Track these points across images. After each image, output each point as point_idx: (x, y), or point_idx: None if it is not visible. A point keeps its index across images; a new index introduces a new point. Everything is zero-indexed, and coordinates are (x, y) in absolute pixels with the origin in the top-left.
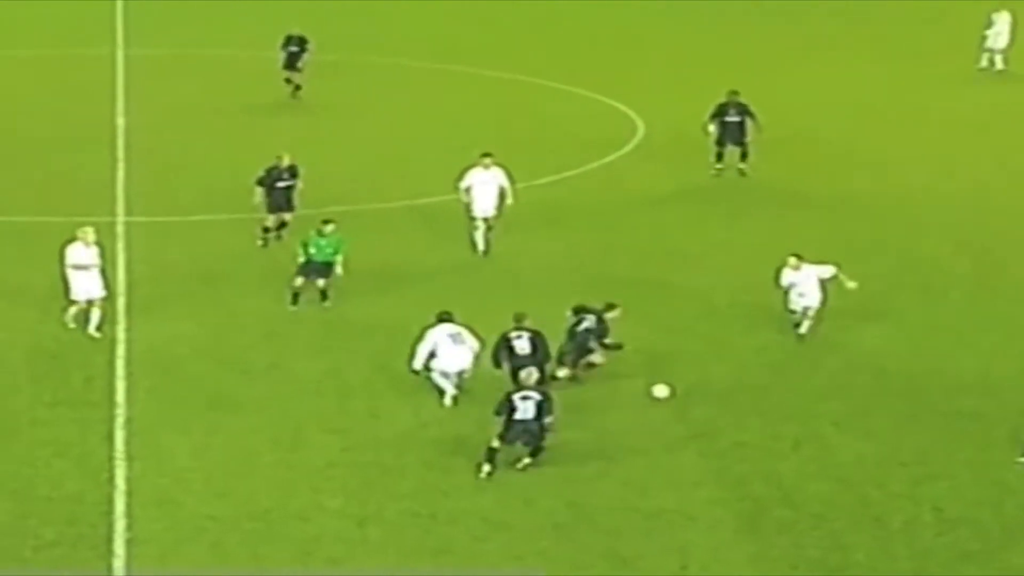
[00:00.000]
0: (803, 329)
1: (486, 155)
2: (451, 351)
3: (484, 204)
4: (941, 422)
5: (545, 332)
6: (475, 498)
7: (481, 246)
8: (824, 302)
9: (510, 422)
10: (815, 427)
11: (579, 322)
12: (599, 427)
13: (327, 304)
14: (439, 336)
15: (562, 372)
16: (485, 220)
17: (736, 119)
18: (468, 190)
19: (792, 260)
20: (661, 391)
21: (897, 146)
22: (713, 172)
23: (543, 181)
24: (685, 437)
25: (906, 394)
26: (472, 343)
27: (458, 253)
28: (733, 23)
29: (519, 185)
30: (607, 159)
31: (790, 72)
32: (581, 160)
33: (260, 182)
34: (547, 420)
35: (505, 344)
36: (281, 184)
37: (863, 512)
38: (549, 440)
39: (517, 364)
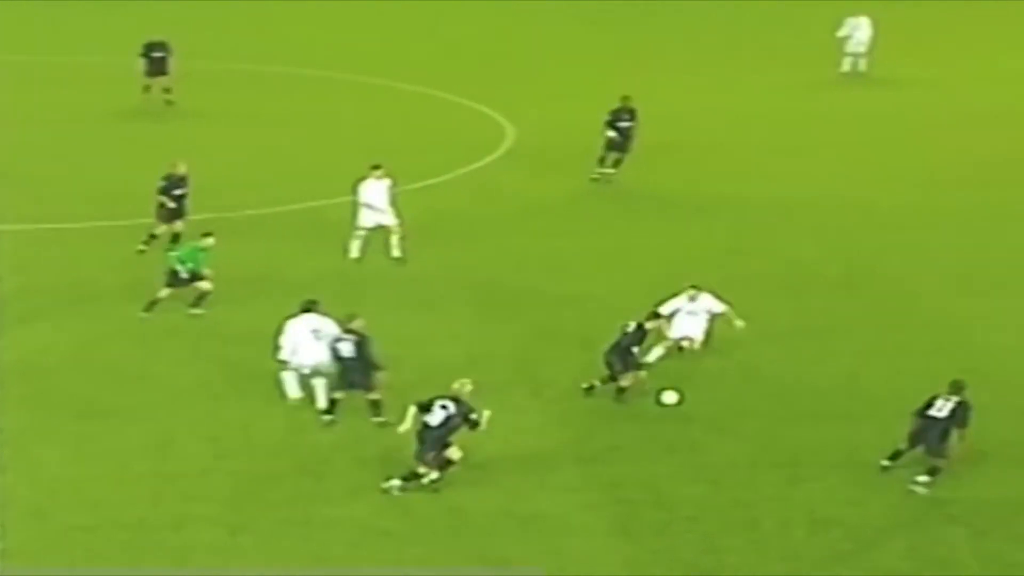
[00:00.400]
0: (651, 357)
1: (376, 167)
2: (308, 345)
3: (372, 215)
4: (811, 424)
5: (372, 337)
6: (351, 505)
7: (355, 253)
8: (706, 341)
9: (423, 428)
10: (688, 430)
11: (625, 331)
12: (475, 433)
13: (199, 311)
14: (298, 329)
15: (625, 381)
16: (382, 228)
17: (627, 124)
18: (360, 200)
19: (691, 290)
20: (670, 397)
21: (766, 150)
22: (594, 176)
23: (410, 188)
24: (560, 442)
25: (776, 396)
26: (331, 335)
27: (333, 260)
28: (602, 25)
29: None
30: (475, 165)
31: (662, 77)
32: (449, 166)
33: (163, 191)
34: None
35: (334, 344)
36: (177, 192)
37: (736, 514)
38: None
39: (341, 366)
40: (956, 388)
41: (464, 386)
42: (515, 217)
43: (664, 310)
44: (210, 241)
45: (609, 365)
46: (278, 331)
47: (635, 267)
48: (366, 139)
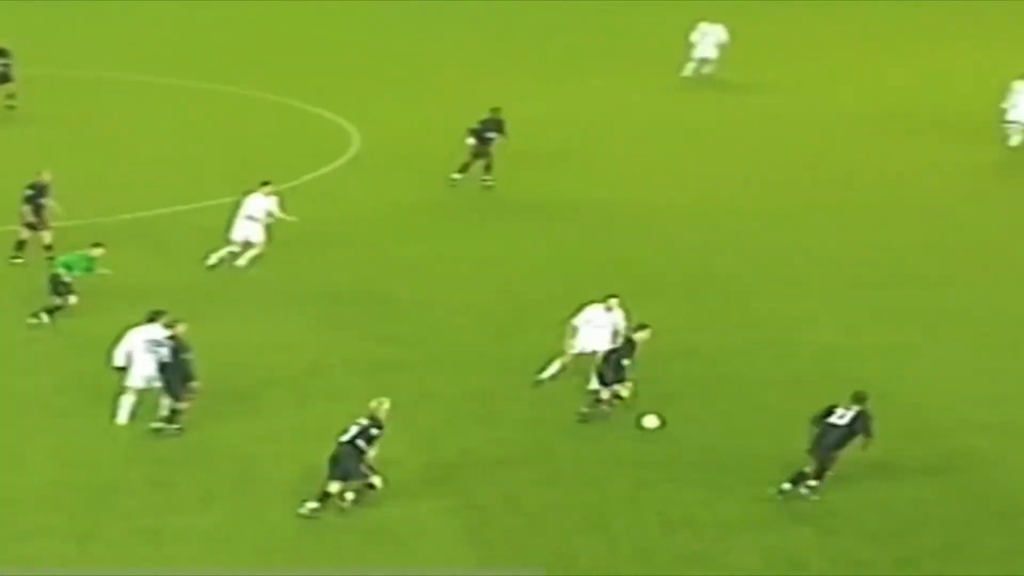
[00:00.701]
0: (545, 374)
1: (265, 183)
2: (141, 359)
3: (246, 228)
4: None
5: (191, 345)
6: (201, 515)
7: (212, 261)
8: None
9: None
10: (539, 434)
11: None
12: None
13: (45, 320)
14: (135, 339)
15: (605, 393)
16: (248, 243)
17: (492, 136)
18: (241, 212)
19: (612, 300)
20: (651, 421)
21: (609, 155)
22: (451, 182)
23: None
24: (408, 448)
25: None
26: (165, 349)
27: (181, 268)
28: (450, 28)
29: (226, 200)
30: (321, 172)
31: (514, 81)
32: (293, 173)
33: (28, 199)
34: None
35: (153, 348)
36: (42, 200)
37: (587, 517)
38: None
39: (159, 370)
40: (858, 398)
41: (381, 404)
42: (362, 223)
43: (576, 321)
44: (99, 251)
45: (601, 377)
46: (117, 340)
47: (483, 272)
48: (210, 147)
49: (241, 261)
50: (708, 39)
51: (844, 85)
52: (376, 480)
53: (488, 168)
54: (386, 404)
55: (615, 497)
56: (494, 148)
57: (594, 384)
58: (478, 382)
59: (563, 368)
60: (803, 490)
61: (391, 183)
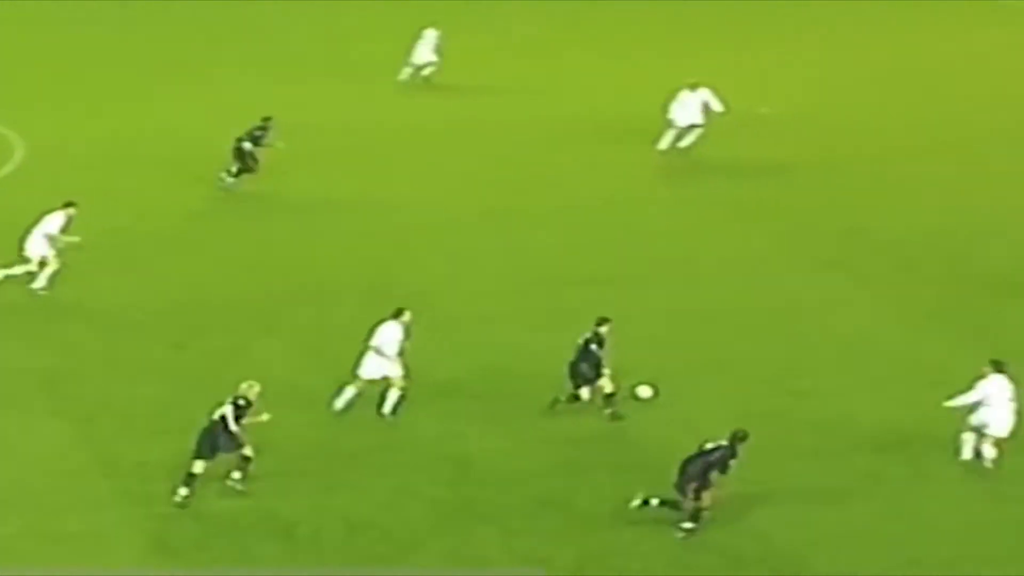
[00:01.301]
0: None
1: (68, 203)
2: None
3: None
4: (334, 430)
5: None
6: None
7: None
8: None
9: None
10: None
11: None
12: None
13: None
14: None
15: (586, 393)
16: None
17: (250, 148)
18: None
19: (406, 313)
20: (645, 392)
21: (325, 158)
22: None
23: None
24: (87, 460)
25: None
26: None
27: None
28: (123, 30)
29: None
30: None
31: (196, 85)
32: None
33: None
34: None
35: None
36: None
37: (271, 524)
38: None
39: None
40: (732, 434)
41: (252, 387)
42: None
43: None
44: None
45: (577, 376)
46: None
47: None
48: None
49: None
50: (425, 43)
51: (565, 88)
52: (247, 451)
53: (239, 173)
54: (256, 387)
55: (299, 504)
56: (250, 157)
57: (585, 393)
58: (149, 391)
59: (359, 394)
60: (680, 533)
61: (61, 193)
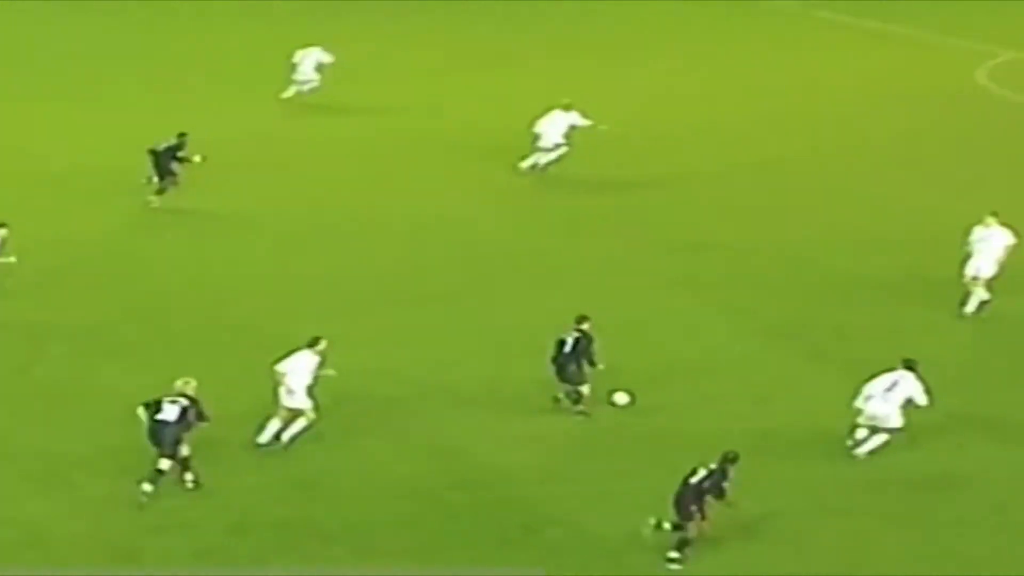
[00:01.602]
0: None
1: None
2: None
3: None
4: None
5: None
6: None
7: None
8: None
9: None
10: (59, 468)
11: (564, 342)
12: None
13: None
14: None
15: (585, 389)
16: None
17: (170, 163)
18: None
19: (321, 342)
20: (622, 399)
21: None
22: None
23: None
24: None
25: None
26: None
27: None
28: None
29: None
30: None
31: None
32: None
33: None
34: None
35: None
36: None
37: (120, 546)
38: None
39: None
40: (722, 456)
41: (188, 384)
42: None
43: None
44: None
45: (572, 375)
46: None
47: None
48: None
49: None
50: (308, 61)
51: (437, 107)
52: (184, 449)
53: (161, 192)
54: (193, 383)
55: (148, 527)
56: (172, 171)
57: (585, 389)
58: None
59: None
60: (673, 565)
61: None
